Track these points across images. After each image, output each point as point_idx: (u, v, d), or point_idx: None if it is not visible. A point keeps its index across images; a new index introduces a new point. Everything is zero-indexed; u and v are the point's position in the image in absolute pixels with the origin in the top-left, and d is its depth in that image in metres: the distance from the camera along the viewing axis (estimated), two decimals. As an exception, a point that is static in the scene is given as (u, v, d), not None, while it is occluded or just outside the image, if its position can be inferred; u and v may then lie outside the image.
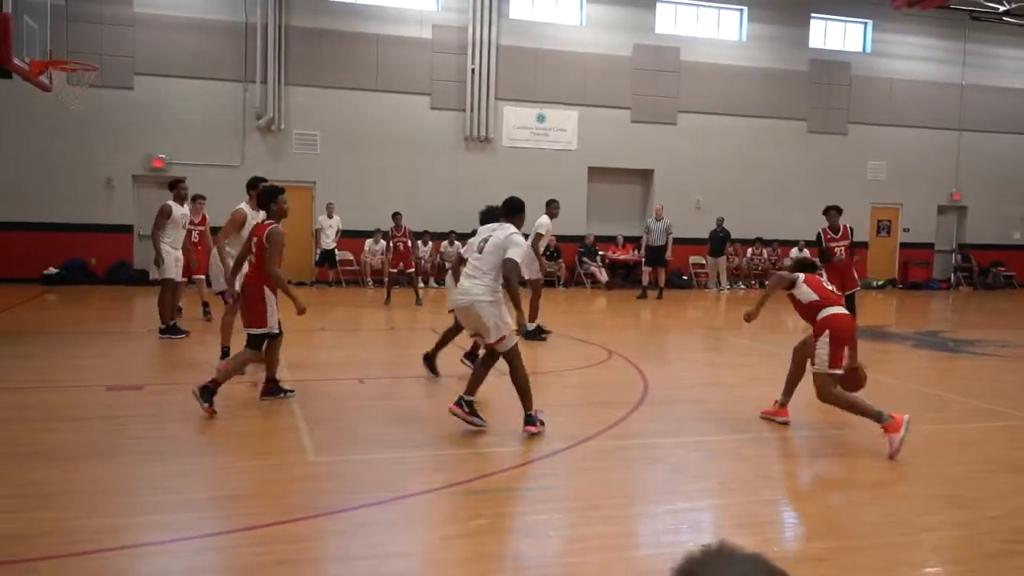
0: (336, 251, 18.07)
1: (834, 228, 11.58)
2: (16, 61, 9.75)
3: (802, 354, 6.63)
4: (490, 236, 6.39)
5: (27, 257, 16.71)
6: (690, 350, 11.37)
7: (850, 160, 22.41)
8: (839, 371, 6.06)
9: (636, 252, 20.24)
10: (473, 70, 19.38)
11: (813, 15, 22.08)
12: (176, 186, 10.93)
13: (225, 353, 8.45)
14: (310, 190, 18.83)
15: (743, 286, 21.16)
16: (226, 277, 8.09)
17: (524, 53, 19.80)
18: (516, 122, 20.02)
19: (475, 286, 6.21)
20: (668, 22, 21.13)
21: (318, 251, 18.16)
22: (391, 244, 15.47)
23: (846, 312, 6.25)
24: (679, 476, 5.43)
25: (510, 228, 6.40)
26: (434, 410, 7.08)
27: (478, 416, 6.22)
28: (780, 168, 21.76)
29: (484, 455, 5.79)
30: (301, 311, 6.72)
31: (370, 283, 18.62)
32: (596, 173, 20.63)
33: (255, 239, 6.87)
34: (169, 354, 9.59)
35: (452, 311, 7.19)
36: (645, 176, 21.32)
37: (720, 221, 19.85)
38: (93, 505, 4.57)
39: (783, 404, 6.75)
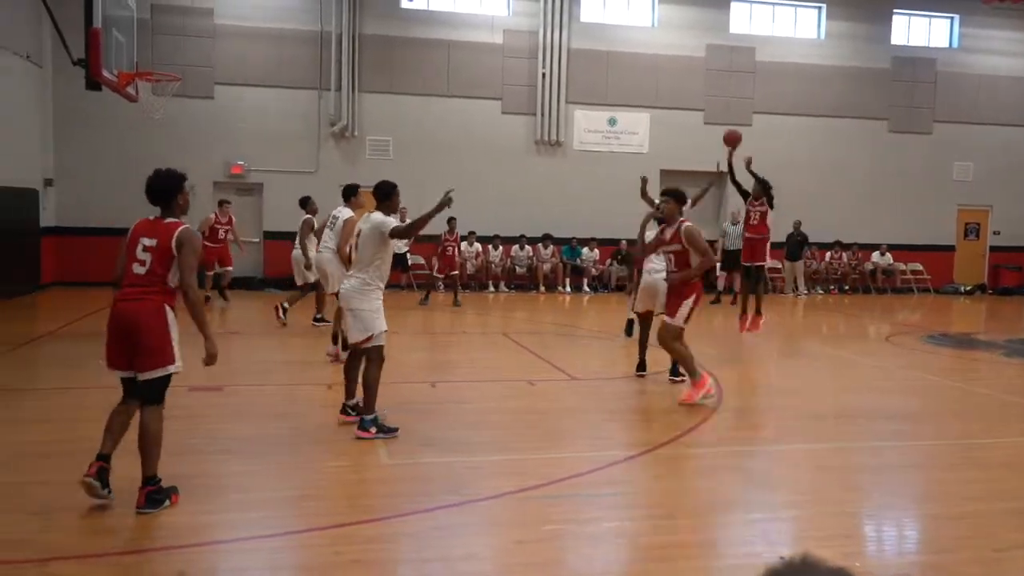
0: (408, 255, 18.26)
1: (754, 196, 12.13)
2: (105, 74, 10.18)
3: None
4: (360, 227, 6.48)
5: (108, 262, 17.36)
6: (766, 356, 11.14)
7: (935, 160, 21.62)
8: (684, 327, 7.48)
9: (709, 256, 19.90)
10: (544, 74, 19.41)
11: (896, 11, 21.40)
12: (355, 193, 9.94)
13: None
14: (383, 195, 19.09)
15: (821, 291, 20.63)
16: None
17: (595, 56, 19.74)
18: (587, 125, 19.96)
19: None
20: (743, 21, 20.76)
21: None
22: (442, 248, 15.84)
23: None
24: (756, 485, 5.32)
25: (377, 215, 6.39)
26: (506, 414, 7.10)
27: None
28: (860, 169, 21.14)
29: (556, 460, 5.78)
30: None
31: (442, 287, 18.79)
32: (668, 176, 20.37)
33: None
34: (244, 356, 9.85)
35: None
36: (719, 179, 20.95)
37: (797, 224, 19.39)
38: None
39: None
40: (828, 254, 20.90)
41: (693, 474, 5.60)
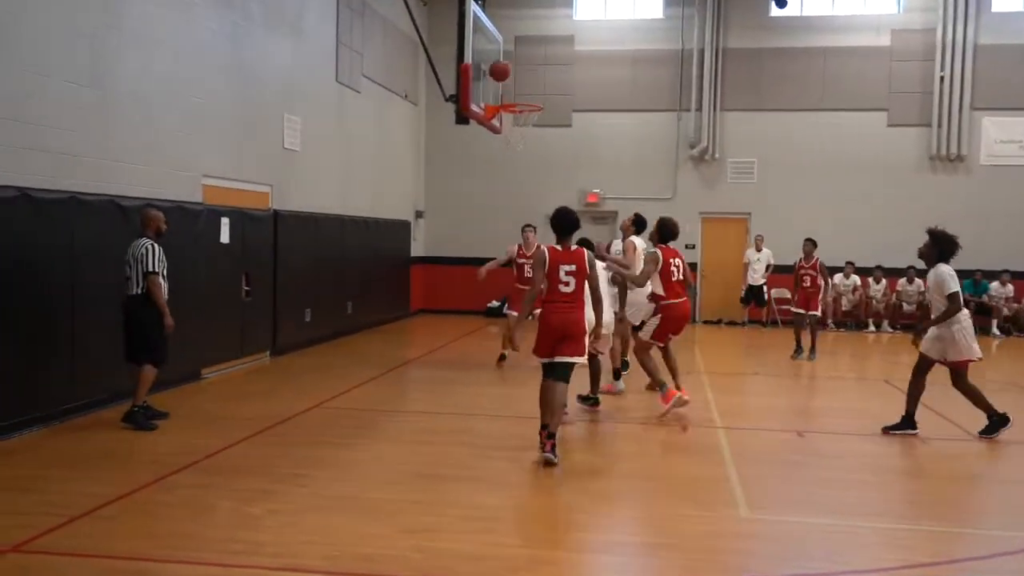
0: (764, 287, 17.70)
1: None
2: (474, 107, 11.35)
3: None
4: None
5: (472, 291, 19.14)
6: None
7: None
8: (659, 344, 8.68)
9: None
10: (942, 77, 17.87)
11: None
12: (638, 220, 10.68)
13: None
14: (744, 222, 18.87)
15: None
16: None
17: (1010, 51, 17.73)
18: (999, 135, 17.96)
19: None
20: None
21: (744, 287, 18.00)
22: (797, 277, 13.57)
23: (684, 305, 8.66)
24: None
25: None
26: (887, 474, 6.61)
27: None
28: None
29: (951, 535, 5.25)
30: None
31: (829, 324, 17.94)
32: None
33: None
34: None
35: None
36: None
37: None
38: (529, 532, 5.08)
39: None
40: None
41: None
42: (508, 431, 7.72)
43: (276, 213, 11.98)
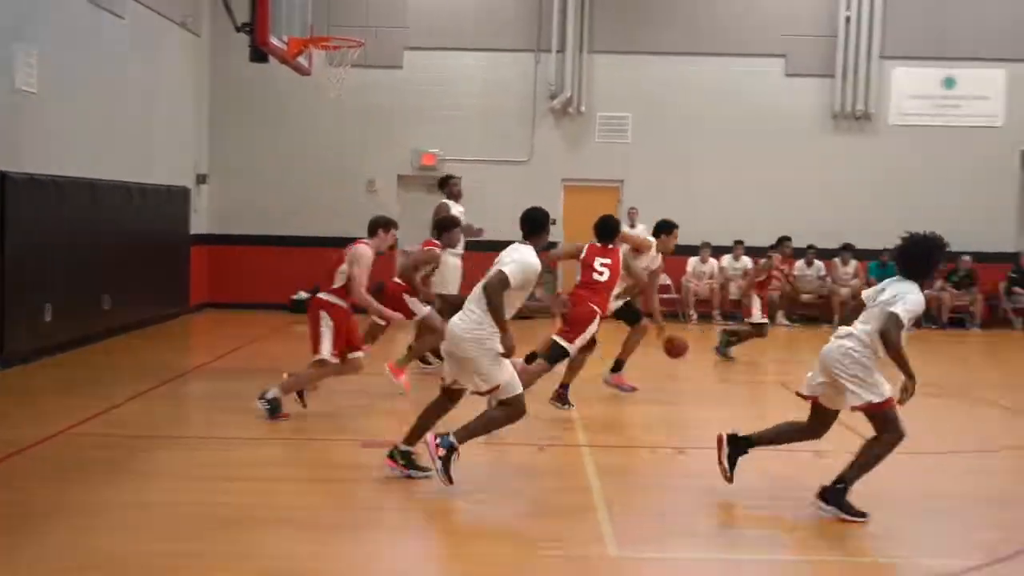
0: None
1: None
2: (273, 40, 11.12)
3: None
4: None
5: (274, 279, 18.76)
6: None
7: None
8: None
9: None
10: (848, 18, 18.82)
11: None
12: (448, 183, 12.70)
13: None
14: (616, 191, 19.29)
15: None
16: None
17: (925, -9, 18.95)
18: (911, 89, 19.11)
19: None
20: None
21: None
22: (768, 278, 14.27)
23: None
24: None
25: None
26: (784, 498, 6.91)
27: (417, 467, 6.88)
28: None
29: (863, 566, 5.54)
30: None
31: (693, 316, 18.61)
32: (1035, 160, 19.09)
33: None
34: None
35: None
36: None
37: None
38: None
39: None
40: None
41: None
42: (321, 458, 7.60)
43: (3, 176, 11.36)
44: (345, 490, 6.88)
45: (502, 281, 6.61)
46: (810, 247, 18.33)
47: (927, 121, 19.10)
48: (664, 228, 11.42)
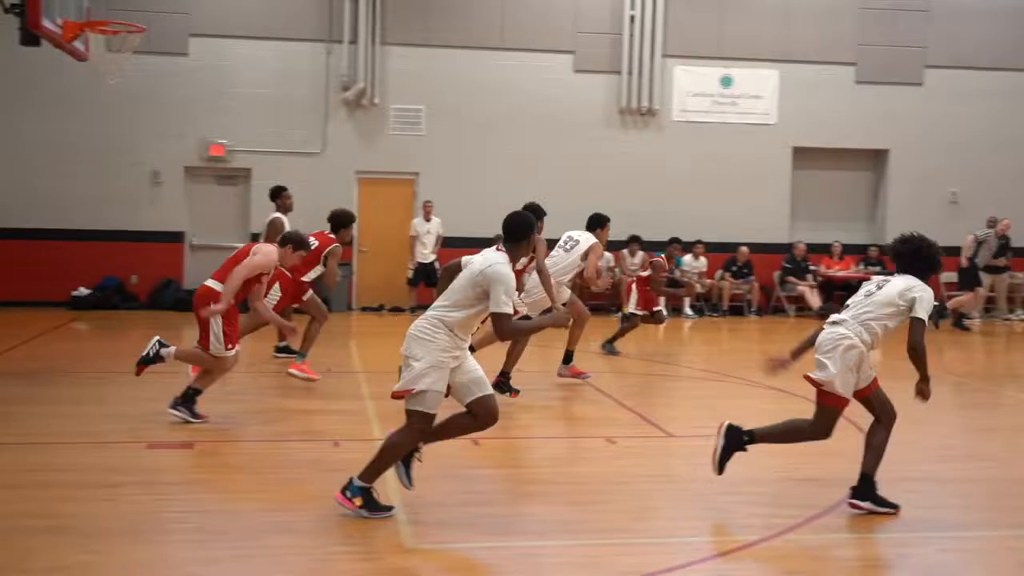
0: (437, 265, 18.15)
1: None
2: (46, 23, 10.56)
3: None
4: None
5: (53, 274, 17.88)
6: (947, 407, 10.89)
7: None
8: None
9: (863, 267, 19.62)
10: (633, 17, 19.43)
11: None
12: (280, 195, 13.24)
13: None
14: (411, 184, 19.33)
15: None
16: None
17: (704, -8, 19.77)
18: (692, 87, 19.91)
19: None
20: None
21: (412, 266, 18.46)
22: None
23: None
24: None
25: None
26: (574, 484, 7.10)
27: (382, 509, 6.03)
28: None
29: (643, 547, 5.75)
30: None
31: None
32: (805, 156, 20.21)
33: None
34: (227, 400, 10.03)
35: None
36: (876, 159, 20.73)
37: (993, 222, 18.91)
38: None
39: None
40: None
41: (834, 571, 5.51)
42: (103, 462, 7.32)
43: None
44: (122, 495, 6.59)
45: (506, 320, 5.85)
46: (632, 237, 18.77)
47: (707, 118, 19.97)
48: (598, 223, 12.09)
